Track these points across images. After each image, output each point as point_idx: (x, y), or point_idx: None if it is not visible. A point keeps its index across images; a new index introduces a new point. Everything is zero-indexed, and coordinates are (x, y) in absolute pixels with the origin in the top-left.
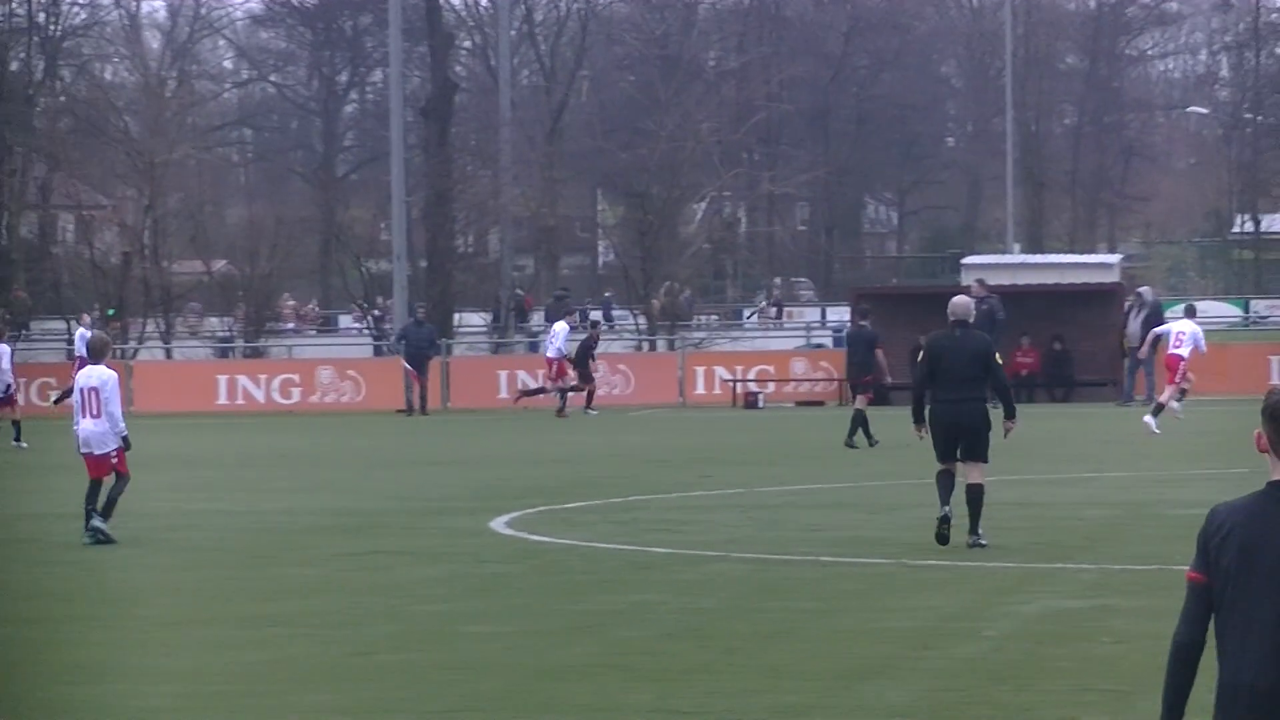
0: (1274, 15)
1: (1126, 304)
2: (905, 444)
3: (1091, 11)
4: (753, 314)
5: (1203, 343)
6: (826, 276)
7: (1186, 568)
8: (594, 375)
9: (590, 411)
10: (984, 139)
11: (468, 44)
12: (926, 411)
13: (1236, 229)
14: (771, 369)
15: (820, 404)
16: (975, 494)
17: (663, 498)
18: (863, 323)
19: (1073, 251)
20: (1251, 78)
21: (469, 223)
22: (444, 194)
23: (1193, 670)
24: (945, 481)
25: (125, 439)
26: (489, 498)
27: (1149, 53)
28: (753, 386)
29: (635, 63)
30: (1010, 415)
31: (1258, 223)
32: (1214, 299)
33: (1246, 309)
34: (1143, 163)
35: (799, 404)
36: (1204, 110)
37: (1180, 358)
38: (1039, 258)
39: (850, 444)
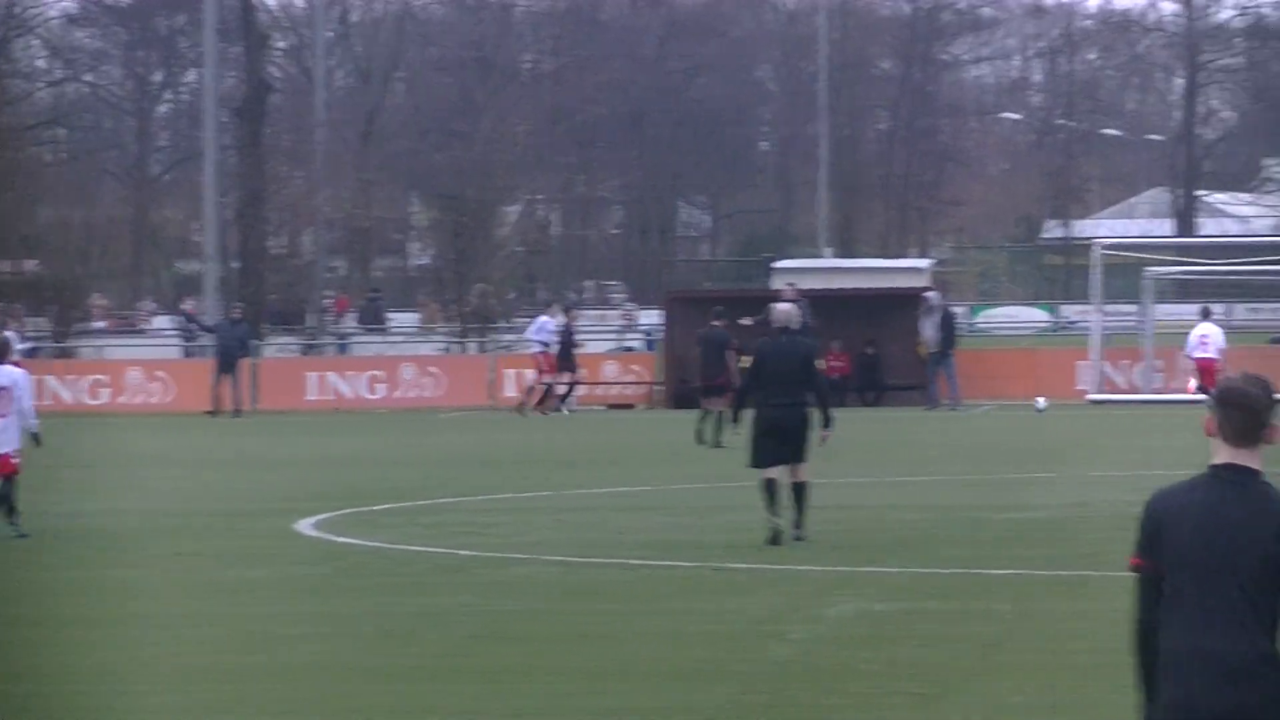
0: (1086, 21)
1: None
2: (720, 447)
3: (906, 17)
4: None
5: (1223, 342)
6: (640, 280)
7: (1005, 569)
8: (576, 367)
9: (563, 410)
10: (798, 143)
11: (283, 45)
12: (751, 415)
13: (1047, 234)
14: (584, 372)
15: (630, 407)
16: (801, 491)
17: (471, 500)
18: (715, 324)
19: (885, 256)
20: (1064, 84)
21: (282, 224)
22: (257, 195)
23: (1156, 649)
24: (771, 491)
25: (36, 436)
26: (296, 500)
27: (963, 58)
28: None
29: (451, 65)
30: (826, 424)
31: (1068, 228)
32: (1024, 304)
33: (1055, 314)
34: (955, 168)
35: (610, 406)
36: (1017, 116)
37: (1212, 360)
38: (851, 262)
39: (720, 444)
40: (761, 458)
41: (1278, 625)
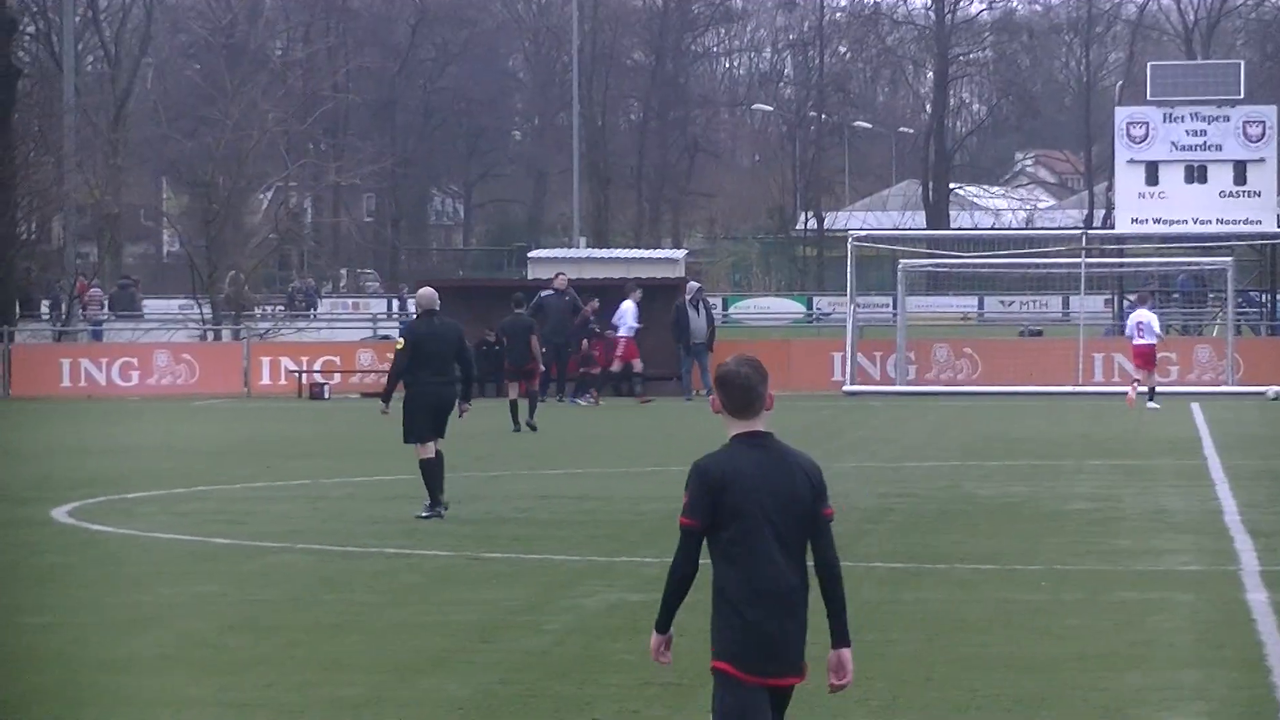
0: (838, 14)
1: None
2: (478, 433)
3: (658, 8)
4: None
5: (1159, 327)
6: (393, 268)
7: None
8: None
9: (581, 401)
10: (550, 133)
11: (31, 29)
12: (407, 394)
13: (800, 226)
14: (338, 359)
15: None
16: (439, 465)
17: (225, 489)
18: (518, 311)
19: (638, 247)
20: (815, 76)
21: (31, 210)
22: (6, 181)
23: (686, 592)
24: (432, 469)
25: None
26: (49, 487)
27: (714, 49)
28: (318, 377)
29: (200, 51)
30: (467, 399)
31: (820, 220)
32: (777, 295)
33: (810, 305)
34: (708, 159)
35: (364, 395)
36: (768, 108)
37: (1150, 345)
38: (604, 252)
39: (532, 425)
40: (421, 433)
41: (804, 561)
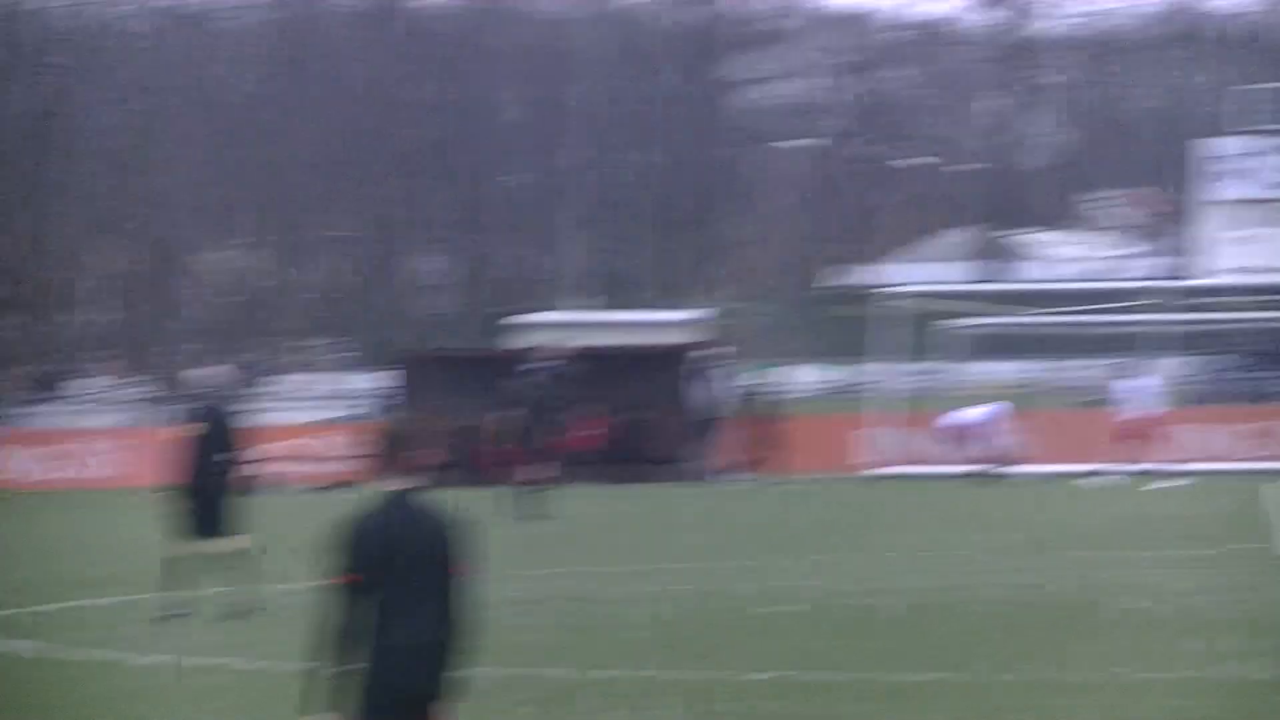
0: (884, 34)
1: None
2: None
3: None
4: None
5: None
6: (365, 337)
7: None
8: None
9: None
10: (550, 180)
11: None
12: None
13: (841, 281)
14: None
15: (349, 484)
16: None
17: None
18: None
19: (652, 308)
20: (862, 103)
21: None
22: None
23: (350, 650)
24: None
25: None
26: None
27: (745, 77)
28: (276, 465)
29: (131, 92)
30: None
31: (865, 274)
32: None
33: (843, 372)
34: (739, 202)
35: (326, 487)
36: (810, 141)
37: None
38: (613, 315)
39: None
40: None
41: (449, 612)
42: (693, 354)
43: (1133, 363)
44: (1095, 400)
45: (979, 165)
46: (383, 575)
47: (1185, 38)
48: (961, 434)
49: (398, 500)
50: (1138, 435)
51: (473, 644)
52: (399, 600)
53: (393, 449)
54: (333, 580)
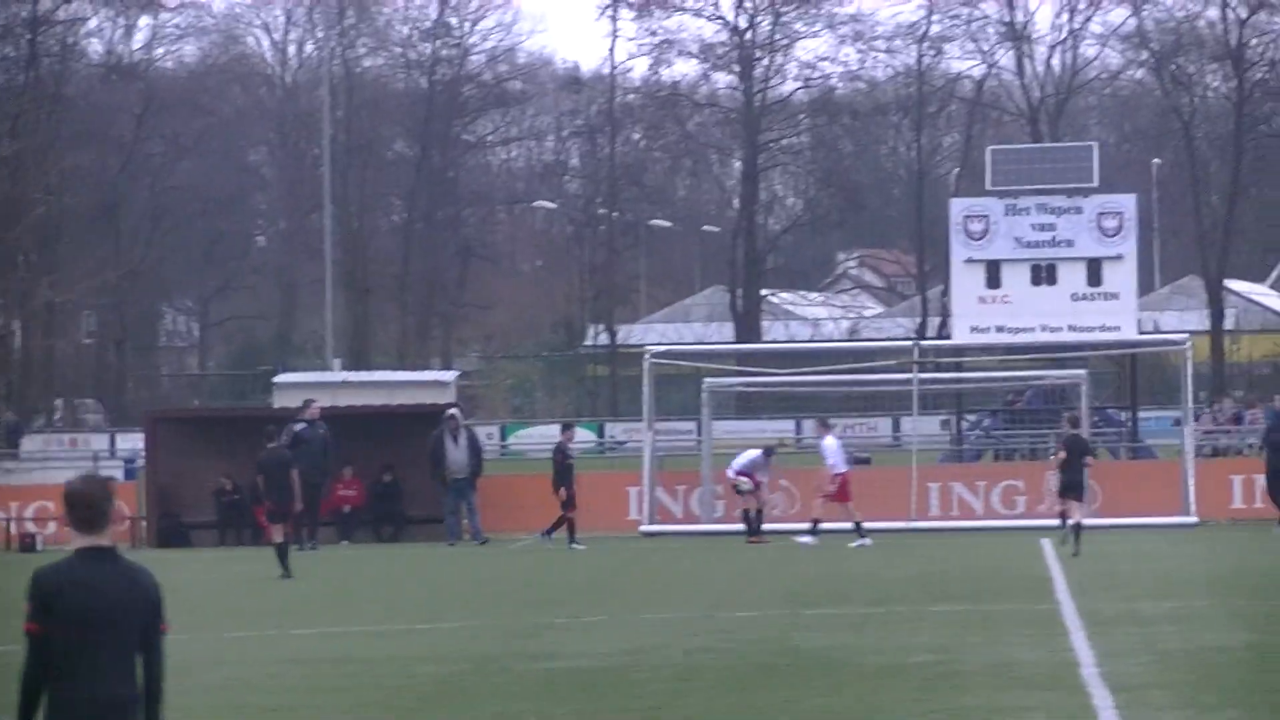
0: (630, 96)
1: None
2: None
3: (423, 91)
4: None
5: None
6: (118, 398)
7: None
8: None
9: (577, 545)
10: (300, 237)
11: None
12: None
13: (590, 341)
14: (51, 505)
15: None
16: None
17: None
18: (272, 445)
19: (403, 367)
20: (605, 167)
21: None
22: None
23: (40, 698)
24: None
25: None
26: None
27: (489, 139)
28: (30, 526)
29: None
30: None
31: (613, 334)
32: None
33: (601, 433)
34: (483, 265)
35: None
36: (551, 204)
37: (842, 472)
38: (364, 375)
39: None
40: None
41: (142, 671)
42: (446, 413)
43: (823, 422)
44: (857, 459)
45: (723, 228)
46: (60, 628)
47: (935, 98)
48: (737, 481)
49: (86, 556)
50: (839, 494)
51: (161, 704)
52: (79, 655)
53: (80, 507)
54: (25, 628)
